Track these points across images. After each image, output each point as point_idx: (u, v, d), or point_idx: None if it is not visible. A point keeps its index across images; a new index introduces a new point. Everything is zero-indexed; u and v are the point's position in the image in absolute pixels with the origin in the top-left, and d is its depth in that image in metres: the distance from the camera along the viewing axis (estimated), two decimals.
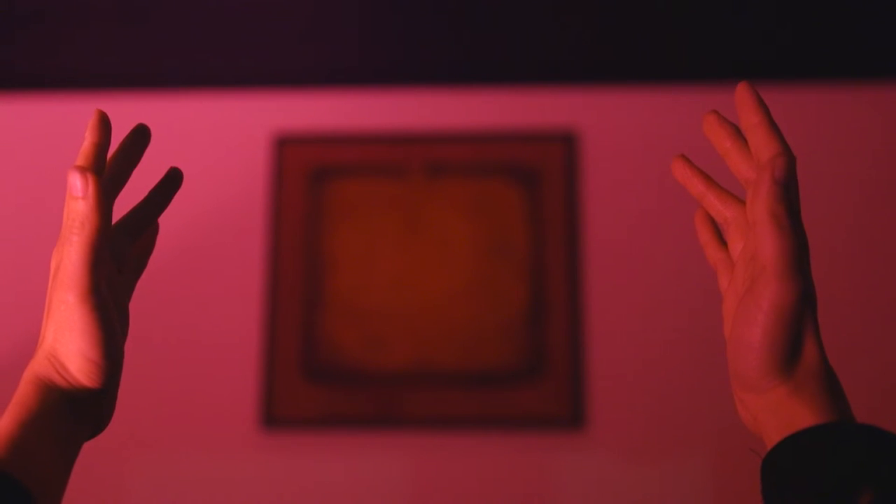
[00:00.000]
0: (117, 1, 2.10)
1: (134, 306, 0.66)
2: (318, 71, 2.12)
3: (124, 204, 0.67)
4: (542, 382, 1.95)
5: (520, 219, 2.02)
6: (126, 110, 2.00)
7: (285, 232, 2.04)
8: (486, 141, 2.06)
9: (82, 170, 0.58)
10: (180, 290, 2.03)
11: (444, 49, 2.12)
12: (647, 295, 1.99)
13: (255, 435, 1.96)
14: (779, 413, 0.55)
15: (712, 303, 1.00)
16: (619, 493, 1.91)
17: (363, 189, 2.06)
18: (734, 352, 0.57)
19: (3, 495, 0.52)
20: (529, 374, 1.95)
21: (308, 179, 2.06)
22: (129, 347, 0.65)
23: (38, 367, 0.59)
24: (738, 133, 0.62)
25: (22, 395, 0.58)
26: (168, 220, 0.72)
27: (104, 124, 0.61)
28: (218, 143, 2.10)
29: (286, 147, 2.07)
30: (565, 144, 2.05)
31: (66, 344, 0.58)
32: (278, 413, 1.95)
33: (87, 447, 0.61)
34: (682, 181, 0.66)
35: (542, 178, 2.04)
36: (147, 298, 1.32)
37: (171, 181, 0.68)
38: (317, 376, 1.97)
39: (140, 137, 0.65)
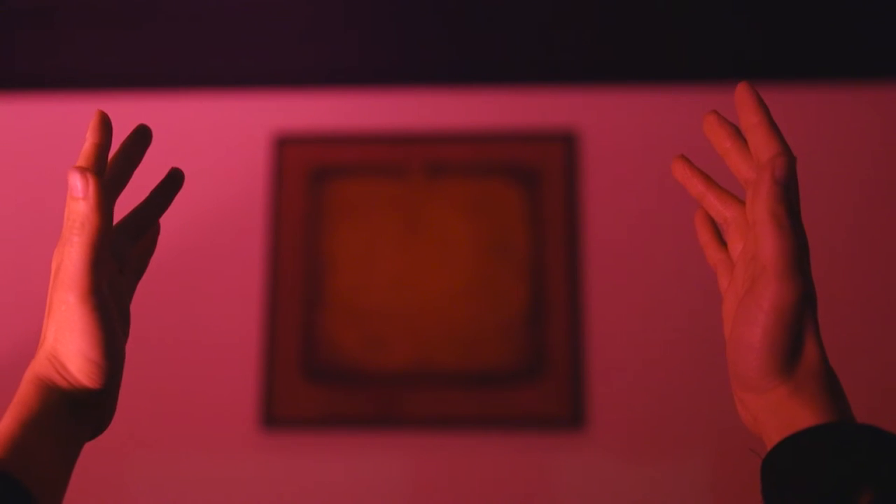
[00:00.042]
0: (117, 1, 2.10)
1: (134, 306, 0.66)
2: (318, 71, 2.12)
3: (125, 204, 0.67)
4: (542, 382, 1.95)
5: (520, 219, 2.02)
6: (126, 110, 2.00)
7: (285, 232, 2.04)
8: (486, 141, 2.06)
9: (83, 170, 0.58)
10: (180, 291, 2.03)
11: (444, 49, 2.12)
12: (647, 295, 1.99)
13: (255, 435, 1.96)
14: (779, 413, 0.55)
15: (712, 303, 1.00)
16: (619, 493, 1.91)
17: (363, 189, 2.06)
18: (734, 352, 0.57)
19: (3, 496, 0.52)
20: (529, 374, 1.95)
21: (308, 179, 2.06)
22: (130, 347, 0.65)
23: (38, 367, 0.59)
24: (737, 133, 0.62)
25: (23, 396, 0.58)
26: (168, 220, 0.72)
27: (105, 125, 0.61)
28: (218, 143, 2.10)
29: (286, 147, 2.07)
30: (565, 144, 2.05)
31: (67, 344, 0.58)
32: (278, 413, 1.95)
33: (87, 447, 0.61)
34: (681, 181, 0.66)
35: (542, 178, 2.04)
36: (147, 298, 1.32)
37: (173, 182, 0.68)
38: (317, 376, 1.97)
39: (141, 138, 0.65)
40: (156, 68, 2.13)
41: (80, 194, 0.57)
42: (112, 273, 0.63)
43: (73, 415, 0.59)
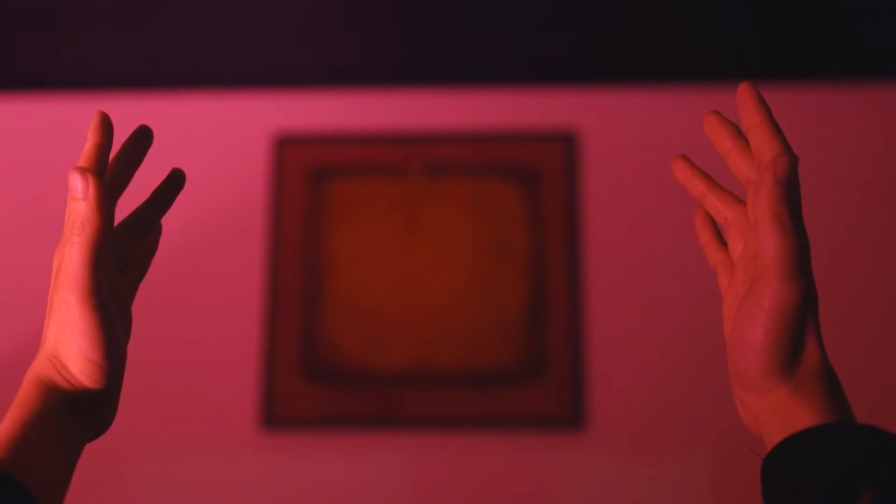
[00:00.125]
0: (117, 1, 2.10)
1: (134, 306, 0.66)
2: (318, 71, 2.12)
3: (126, 205, 0.67)
4: (542, 382, 1.95)
5: (520, 219, 2.02)
6: (126, 110, 2.00)
7: (285, 232, 2.04)
8: (486, 141, 2.06)
9: (83, 171, 0.58)
10: (180, 291, 2.03)
11: (444, 49, 2.12)
12: (647, 295, 1.99)
13: (255, 435, 1.96)
14: (779, 413, 0.55)
15: (712, 303, 1.00)
16: (619, 493, 1.91)
17: (363, 189, 2.06)
18: (735, 352, 0.57)
19: (4, 496, 0.52)
20: (529, 374, 1.95)
21: (308, 179, 2.06)
22: (130, 347, 0.65)
23: (39, 367, 0.59)
24: (738, 133, 0.62)
25: (23, 396, 0.58)
26: (168, 221, 0.72)
27: (106, 125, 0.61)
28: (218, 143, 2.10)
29: (286, 147, 2.07)
30: (565, 144, 2.05)
31: (68, 345, 0.58)
32: (278, 413, 1.95)
33: (88, 447, 0.61)
34: (682, 181, 0.66)
35: (542, 178, 2.04)
36: (147, 298, 1.32)
37: (174, 182, 0.68)
38: (317, 376, 1.97)
39: (142, 139, 0.65)
40: (156, 68, 2.13)
41: (80, 194, 0.57)
42: (113, 273, 0.63)
43: (74, 415, 0.59)
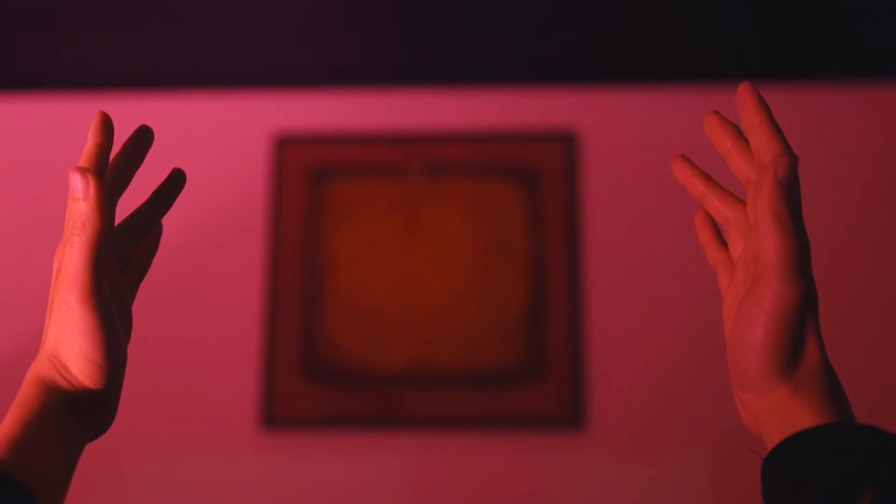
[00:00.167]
0: (117, 1, 2.10)
1: (134, 306, 0.66)
2: (318, 71, 2.12)
3: (126, 205, 0.67)
4: (542, 382, 1.95)
5: (520, 219, 2.02)
6: (126, 110, 2.00)
7: (285, 232, 2.04)
8: (486, 141, 2.06)
9: (83, 171, 0.58)
10: (180, 291, 2.03)
11: (444, 49, 2.12)
12: (647, 295, 1.99)
13: (255, 435, 1.96)
14: (779, 413, 0.55)
15: (712, 303, 1.00)
16: (619, 493, 1.91)
17: (363, 189, 2.06)
18: (735, 352, 0.57)
19: (4, 496, 0.52)
20: (529, 374, 1.95)
21: (308, 179, 2.06)
22: (130, 347, 0.65)
23: (39, 367, 0.59)
24: (738, 133, 0.62)
25: (24, 396, 0.58)
26: (168, 220, 0.72)
27: (106, 126, 0.61)
28: (218, 143, 2.10)
29: (286, 147, 2.07)
30: (565, 144, 2.05)
31: (68, 345, 0.58)
32: (278, 413, 1.95)
33: (88, 447, 0.61)
34: (682, 181, 0.66)
35: (542, 178, 2.04)
36: (147, 298, 1.32)
37: (174, 182, 0.68)
38: (317, 376, 1.97)
39: (143, 139, 0.65)
40: (156, 68, 2.13)
41: (80, 194, 0.57)
42: (113, 273, 0.63)
43: (75, 415, 0.59)
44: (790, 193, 0.56)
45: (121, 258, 0.64)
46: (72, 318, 0.57)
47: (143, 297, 0.89)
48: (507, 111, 2.08)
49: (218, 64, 2.13)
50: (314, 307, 2.00)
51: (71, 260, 0.57)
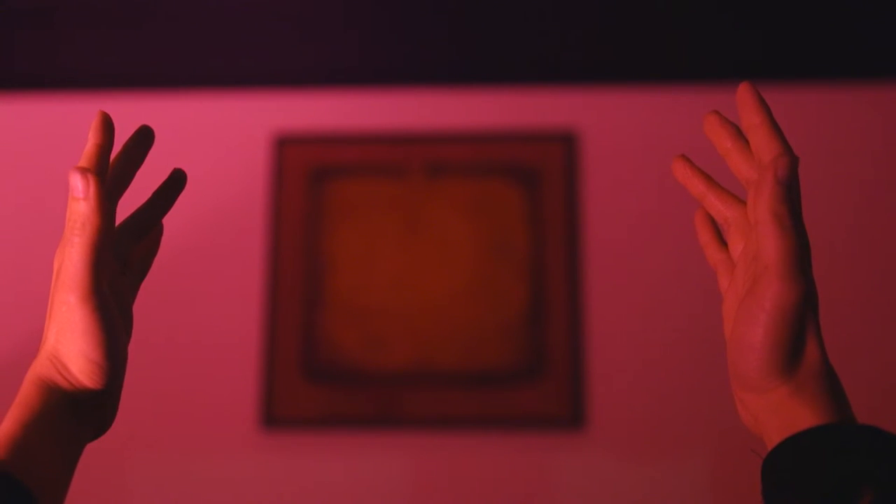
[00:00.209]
0: (117, 1, 2.10)
1: (134, 306, 0.66)
2: (318, 71, 2.12)
3: (127, 205, 0.67)
4: (542, 382, 1.95)
5: (520, 219, 2.02)
6: (126, 110, 2.00)
7: (285, 232, 2.04)
8: (486, 141, 2.06)
9: (83, 171, 0.58)
10: (180, 291, 2.03)
11: (444, 49, 2.12)
12: (647, 295, 1.99)
13: (255, 435, 1.96)
14: (779, 413, 0.55)
15: (712, 303, 1.00)
16: (619, 493, 1.91)
17: (363, 189, 2.06)
18: (735, 352, 0.57)
19: (5, 496, 0.52)
20: (529, 374, 1.95)
21: (308, 179, 2.06)
22: (130, 347, 0.65)
23: (40, 367, 0.59)
24: (739, 133, 0.62)
25: (24, 396, 0.58)
26: (168, 220, 0.72)
27: (107, 126, 0.61)
28: (218, 143, 2.10)
29: (286, 147, 2.07)
30: (565, 144, 2.05)
31: (68, 345, 0.58)
32: (278, 413, 1.95)
33: (88, 447, 0.61)
34: (682, 181, 0.66)
35: (542, 178, 2.04)
36: (147, 298, 1.32)
37: (175, 183, 0.68)
38: (317, 376, 1.97)
39: (143, 139, 0.65)
40: (156, 68, 2.13)
41: (80, 195, 0.57)
42: (114, 273, 0.63)
43: (75, 415, 0.59)
44: (790, 193, 0.56)
45: (121, 258, 0.64)
46: (72, 318, 0.57)
47: (143, 297, 0.89)
48: (507, 111, 2.08)
49: (218, 64, 2.13)
50: (314, 307, 2.00)
51: (71, 260, 0.57)
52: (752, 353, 0.56)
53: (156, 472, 1.95)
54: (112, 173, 0.62)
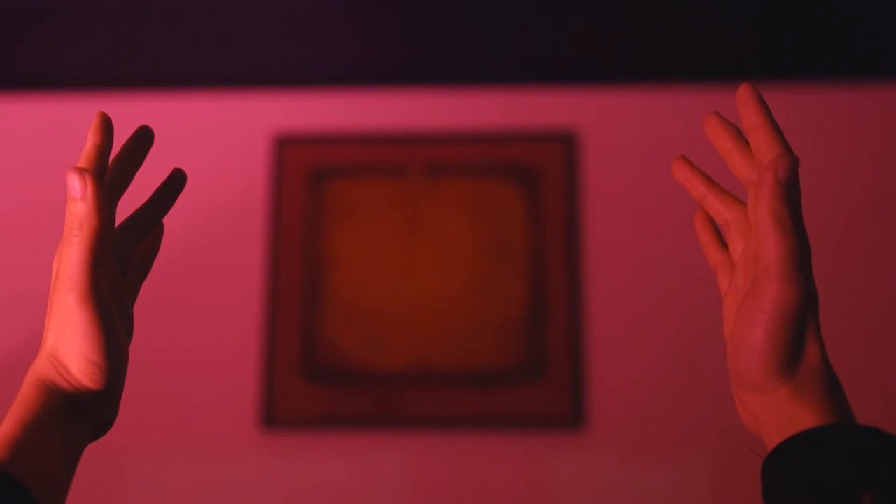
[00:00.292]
0: (117, 1, 2.10)
1: (134, 306, 0.66)
2: (318, 71, 2.13)
3: (127, 205, 0.67)
4: (542, 382, 1.95)
5: (520, 219, 2.02)
6: (126, 110, 2.00)
7: (285, 232, 2.04)
8: (486, 141, 2.06)
9: (81, 171, 0.58)
10: (180, 291, 2.03)
11: (444, 49, 2.12)
12: (647, 295, 1.99)
13: (255, 435, 1.96)
14: (780, 414, 0.55)
15: (712, 304, 1.00)
16: (619, 493, 1.91)
17: (363, 189, 2.06)
18: (735, 353, 0.57)
19: (5, 497, 0.52)
20: (529, 374, 1.95)
21: (308, 179, 2.06)
22: (130, 347, 0.65)
23: (39, 368, 0.59)
24: (739, 134, 0.62)
25: (24, 397, 0.58)
26: (168, 221, 0.72)
27: (106, 126, 0.61)
28: (218, 143, 2.10)
29: (286, 147, 2.07)
30: (565, 144, 2.05)
31: (67, 345, 0.58)
32: (278, 413, 1.95)
33: (88, 447, 0.61)
34: (682, 182, 0.66)
35: (542, 178, 2.04)
36: (147, 298, 1.32)
37: (175, 182, 0.68)
38: (317, 376, 1.97)
39: (143, 139, 0.65)
40: (156, 68, 2.13)
41: (78, 195, 0.57)
42: (114, 274, 0.63)
43: (75, 416, 0.59)
44: (790, 194, 0.56)
45: (122, 258, 0.64)
46: (71, 318, 0.57)
47: (143, 297, 0.89)
48: (507, 111, 2.08)
49: (218, 64, 2.13)
50: (314, 307, 2.00)
51: (70, 260, 0.57)
52: (752, 353, 0.56)
53: (156, 472, 1.95)
54: (111, 174, 0.62)
